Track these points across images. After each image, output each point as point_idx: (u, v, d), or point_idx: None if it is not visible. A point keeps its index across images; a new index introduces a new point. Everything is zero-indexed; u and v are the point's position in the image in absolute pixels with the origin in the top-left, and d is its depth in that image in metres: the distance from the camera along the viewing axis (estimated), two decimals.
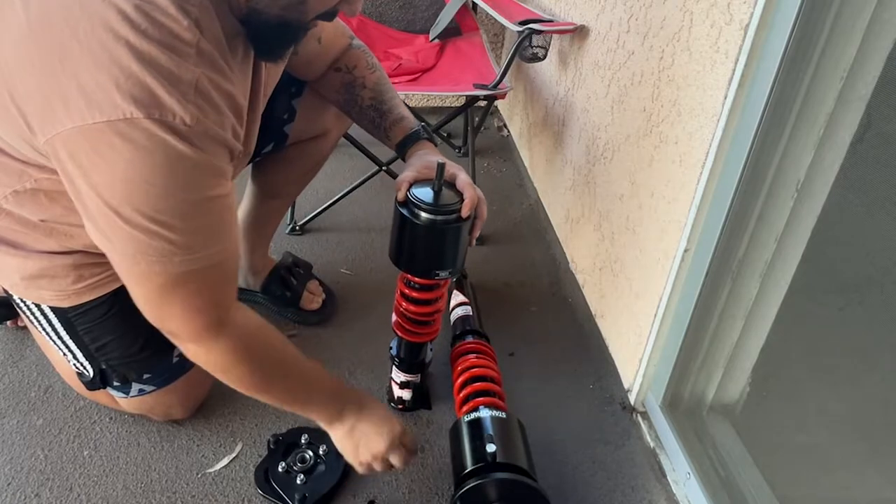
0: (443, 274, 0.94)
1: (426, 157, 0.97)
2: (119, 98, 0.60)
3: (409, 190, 0.90)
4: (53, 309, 0.93)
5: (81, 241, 0.86)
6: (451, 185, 0.93)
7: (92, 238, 0.71)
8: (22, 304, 0.95)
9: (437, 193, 0.89)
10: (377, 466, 0.94)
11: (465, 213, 0.90)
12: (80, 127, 0.61)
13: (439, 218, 0.88)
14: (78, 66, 0.60)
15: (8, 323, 1.25)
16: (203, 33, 0.65)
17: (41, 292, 0.90)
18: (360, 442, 0.93)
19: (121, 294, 0.92)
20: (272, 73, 0.91)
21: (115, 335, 0.95)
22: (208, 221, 0.72)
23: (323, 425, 0.94)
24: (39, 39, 0.62)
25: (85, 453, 1.04)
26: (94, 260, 0.89)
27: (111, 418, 1.10)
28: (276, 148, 1.17)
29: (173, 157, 0.64)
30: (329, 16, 0.75)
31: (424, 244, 0.92)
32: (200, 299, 0.75)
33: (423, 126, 1.05)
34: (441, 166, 0.88)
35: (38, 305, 0.93)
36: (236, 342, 0.81)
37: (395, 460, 0.94)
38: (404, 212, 0.89)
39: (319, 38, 1.02)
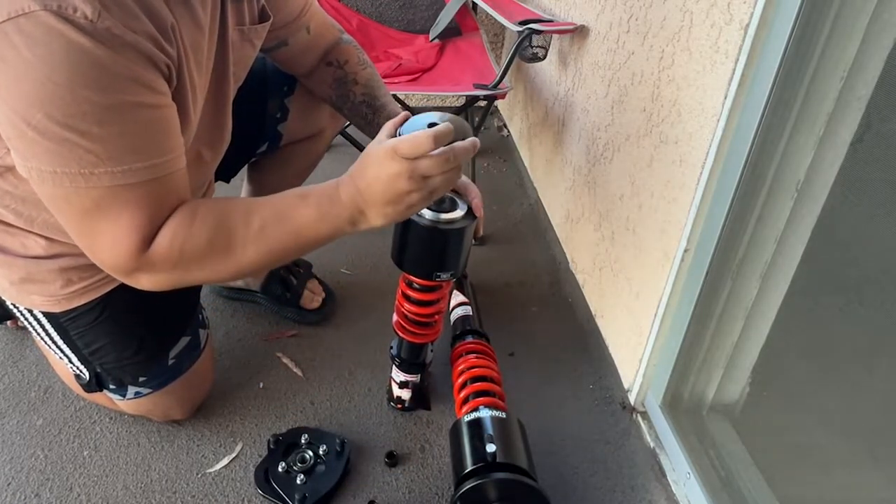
0: (444, 276, 0.94)
1: None
2: None
3: None
4: (45, 314, 0.92)
5: (62, 231, 0.82)
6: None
7: (19, 170, 0.68)
8: (16, 309, 0.95)
9: (440, 196, 0.89)
10: (431, 183, 0.72)
11: (479, 212, 0.90)
12: None
13: (443, 218, 0.88)
14: None
15: (8, 323, 1.26)
16: None
17: (32, 297, 0.90)
18: (395, 200, 0.73)
19: (112, 298, 0.92)
20: (241, 51, 0.89)
21: (109, 339, 0.95)
22: (132, 130, 0.66)
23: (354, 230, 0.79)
24: None
25: (85, 453, 1.04)
26: (81, 263, 0.88)
27: (111, 418, 1.10)
28: (270, 148, 1.17)
29: (75, 51, 0.59)
30: None
31: (427, 246, 0.92)
32: (128, 218, 0.69)
33: None
34: None
35: (30, 311, 0.93)
36: (169, 238, 0.72)
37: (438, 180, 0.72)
38: None
39: (308, 28, 1.02)
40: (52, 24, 0.59)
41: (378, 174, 0.72)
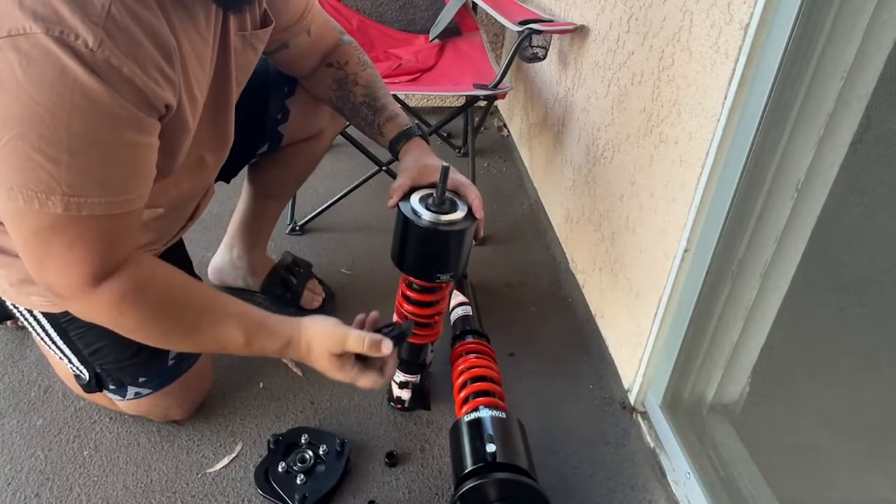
0: (444, 277, 0.94)
1: (422, 161, 0.96)
2: (19, 13, 0.57)
3: (408, 199, 0.91)
4: (45, 315, 0.92)
5: None
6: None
7: None
8: (16, 310, 0.95)
9: (440, 198, 0.89)
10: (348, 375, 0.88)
11: (479, 213, 0.90)
12: None
13: (443, 219, 0.88)
14: None
15: (8, 323, 1.25)
16: None
17: (31, 298, 0.90)
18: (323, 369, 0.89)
19: None
20: (243, 56, 0.90)
21: (108, 340, 0.95)
22: (101, 163, 0.65)
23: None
24: None
25: (85, 453, 1.04)
26: None
27: (111, 418, 1.10)
28: (271, 149, 1.17)
29: (67, 79, 0.59)
30: None
31: (428, 248, 0.91)
32: (81, 250, 0.69)
33: (416, 124, 1.05)
34: (445, 170, 0.87)
35: (30, 311, 0.93)
36: (120, 294, 0.74)
37: (363, 383, 0.88)
38: (407, 215, 0.89)
39: (309, 31, 1.02)
40: (50, 49, 0.58)
41: (321, 362, 0.88)
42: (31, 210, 0.65)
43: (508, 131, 2.25)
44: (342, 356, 0.87)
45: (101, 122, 0.63)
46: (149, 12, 0.65)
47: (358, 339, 0.85)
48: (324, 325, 0.89)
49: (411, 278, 0.99)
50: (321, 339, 0.87)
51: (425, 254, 0.92)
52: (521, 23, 1.43)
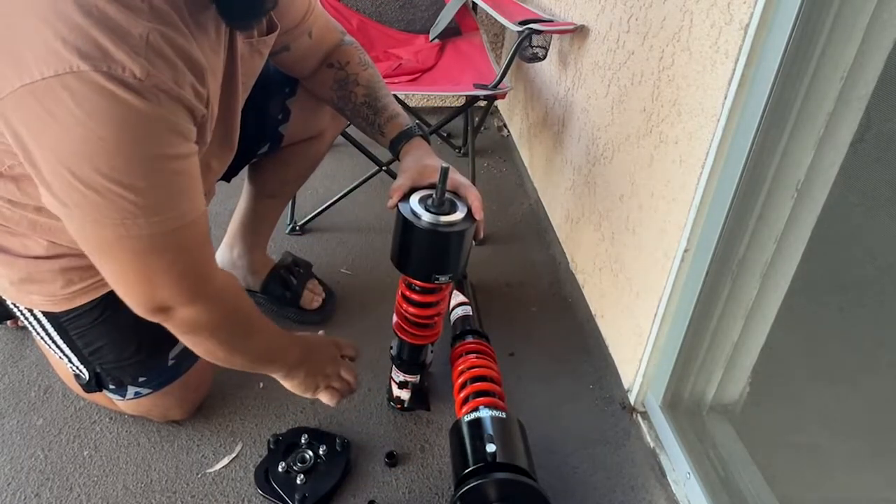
0: (443, 278, 0.94)
1: (422, 161, 0.96)
2: (66, 52, 0.58)
3: (407, 199, 0.91)
4: (45, 314, 0.92)
5: (65, 237, 0.85)
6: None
7: (48, 207, 0.69)
8: (16, 309, 0.95)
9: (440, 198, 0.89)
10: (326, 395, 1.02)
11: (479, 214, 0.91)
12: (28, 85, 0.59)
13: (442, 220, 0.88)
14: (23, 24, 0.59)
15: (8, 323, 1.25)
16: None
17: (32, 297, 0.90)
18: (311, 380, 1.00)
19: (113, 299, 0.91)
20: (250, 63, 0.90)
21: (108, 339, 0.95)
22: (170, 180, 0.69)
23: (279, 377, 0.98)
24: None
25: (85, 453, 1.04)
26: (82, 263, 0.88)
27: (111, 418, 1.10)
28: (271, 149, 1.17)
29: (124, 109, 0.61)
30: None
31: (427, 248, 0.91)
32: (181, 263, 0.74)
33: (417, 124, 1.05)
34: (445, 171, 0.87)
35: (30, 310, 0.93)
36: (223, 301, 0.81)
37: (345, 374, 1.03)
38: (407, 216, 0.89)
39: (310, 33, 1.02)
40: (101, 84, 0.59)
41: (322, 352, 1.02)
42: (120, 237, 0.68)
43: (508, 131, 2.25)
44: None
45: (164, 141, 0.67)
46: (181, 37, 0.67)
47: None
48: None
49: (411, 279, 0.99)
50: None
51: (424, 255, 0.92)
52: (521, 23, 1.43)
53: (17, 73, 0.59)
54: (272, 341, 0.94)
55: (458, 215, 0.90)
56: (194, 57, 0.69)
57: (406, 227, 0.89)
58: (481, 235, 0.96)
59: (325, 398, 1.02)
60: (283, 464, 1.00)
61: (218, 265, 0.83)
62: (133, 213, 0.66)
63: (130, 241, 0.69)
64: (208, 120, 0.77)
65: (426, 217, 0.88)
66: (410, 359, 1.08)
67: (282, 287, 1.33)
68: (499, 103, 2.39)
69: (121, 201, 0.65)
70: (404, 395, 1.12)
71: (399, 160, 1.02)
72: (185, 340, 0.83)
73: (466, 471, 0.89)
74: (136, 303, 0.76)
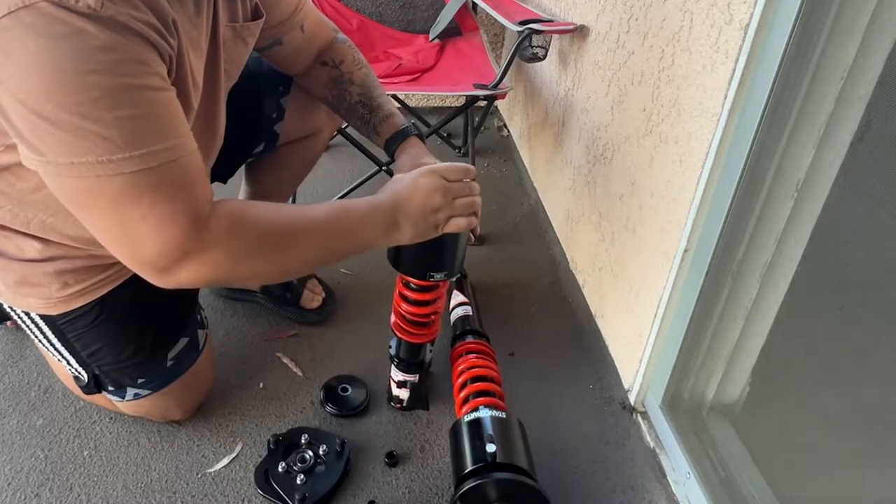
0: (438, 276, 0.94)
1: (417, 161, 0.96)
2: None
3: None
4: (42, 317, 0.92)
5: (59, 232, 0.84)
6: None
7: (27, 164, 0.67)
8: (13, 312, 0.95)
9: None
10: (457, 204, 0.85)
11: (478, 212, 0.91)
12: None
13: None
14: None
15: (8, 323, 1.25)
16: None
17: (28, 300, 0.90)
18: (424, 227, 0.85)
19: (109, 300, 0.92)
20: (233, 49, 0.89)
21: (106, 341, 0.94)
22: (144, 113, 0.65)
23: (386, 245, 0.87)
24: None
25: (85, 453, 1.04)
26: (77, 266, 0.88)
27: (111, 418, 1.10)
28: (267, 148, 1.17)
29: (80, 38, 0.59)
30: None
31: (422, 246, 0.91)
32: (167, 205, 0.67)
33: (413, 123, 1.05)
34: None
35: (27, 313, 0.93)
36: (228, 244, 0.72)
37: (462, 200, 0.86)
38: None
39: (302, 27, 1.02)
40: (54, 14, 0.58)
41: (418, 186, 0.84)
42: (99, 179, 0.64)
43: (508, 131, 2.25)
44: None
45: (126, 71, 0.63)
46: None
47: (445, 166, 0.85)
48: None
49: (408, 278, 0.99)
50: (412, 165, 0.89)
51: (419, 253, 0.92)
52: (521, 23, 1.43)
53: None
54: (331, 230, 0.80)
55: None
56: (158, 3, 0.67)
57: None
58: (478, 233, 0.96)
59: (454, 229, 0.87)
60: (283, 464, 1.00)
61: (214, 200, 0.73)
62: (108, 149, 0.63)
63: (110, 184, 0.64)
64: (188, 84, 0.74)
65: None
66: (409, 358, 1.08)
67: (281, 287, 1.33)
68: (499, 103, 2.39)
69: (92, 136, 0.62)
70: (403, 394, 1.12)
71: (394, 160, 1.02)
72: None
73: (466, 471, 0.89)
74: (131, 265, 0.71)
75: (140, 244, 0.68)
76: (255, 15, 0.92)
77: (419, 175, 0.85)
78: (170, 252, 0.68)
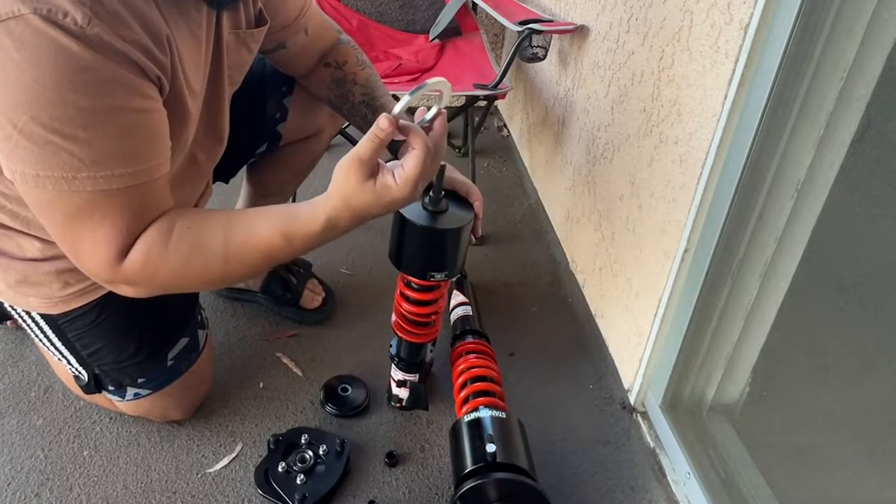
0: (440, 276, 0.94)
1: None
2: None
3: None
4: (43, 316, 0.92)
5: None
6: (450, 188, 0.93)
7: (7, 174, 0.67)
8: (13, 311, 0.95)
9: (437, 196, 0.89)
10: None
11: (479, 212, 0.91)
12: None
13: (439, 218, 0.88)
14: None
15: (8, 323, 1.25)
16: None
17: (28, 299, 0.90)
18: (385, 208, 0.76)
19: (110, 300, 0.92)
20: (237, 55, 0.89)
21: (107, 341, 0.94)
22: (117, 134, 0.65)
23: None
24: None
25: (85, 453, 1.04)
26: None
27: (111, 418, 1.10)
28: (269, 148, 1.17)
29: (64, 55, 0.60)
30: None
31: (423, 247, 0.91)
32: (109, 227, 0.69)
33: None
34: (441, 169, 0.88)
35: (28, 313, 0.93)
36: (141, 276, 0.72)
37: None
38: (403, 214, 0.89)
39: (306, 30, 1.02)
40: (41, 28, 0.59)
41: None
42: (61, 194, 0.66)
43: (508, 131, 2.25)
44: (373, 173, 0.75)
45: (107, 92, 0.64)
46: (140, 1, 0.66)
47: (364, 141, 0.73)
48: (338, 169, 0.76)
49: (409, 277, 0.99)
50: (343, 177, 0.75)
51: (421, 252, 0.92)
52: (521, 23, 1.43)
53: None
54: (267, 252, 0.75)
55: (455, 213, 0.90)
56: (152, 20, 0.67)
57: (402, 224, 0.90)
58: (479, 233, 0.96)
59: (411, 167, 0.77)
60: (283, 464, 1.00)
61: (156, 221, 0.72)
62: (75, 166, 0.64)
63: (69, 199, 0.66)
64: (184, 93, 0.74)
65: (422, 214, 0.88)
66: (409, 357, 1.08)
67: (282, 287, 1.33)
68: (499, 103, 2.39)
69: (61, 153, 0.63)
70: (403, 393, 1.12)
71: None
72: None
73: (466, 471, 0.89)
74: (80, 268, 0.73)
75: (84, 258, 0.72)
76: (259, 21, 0.91)
77: (357, 189, 0.75)
78: (99, 275, 0.73)
